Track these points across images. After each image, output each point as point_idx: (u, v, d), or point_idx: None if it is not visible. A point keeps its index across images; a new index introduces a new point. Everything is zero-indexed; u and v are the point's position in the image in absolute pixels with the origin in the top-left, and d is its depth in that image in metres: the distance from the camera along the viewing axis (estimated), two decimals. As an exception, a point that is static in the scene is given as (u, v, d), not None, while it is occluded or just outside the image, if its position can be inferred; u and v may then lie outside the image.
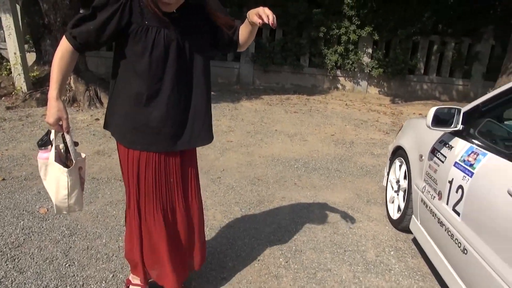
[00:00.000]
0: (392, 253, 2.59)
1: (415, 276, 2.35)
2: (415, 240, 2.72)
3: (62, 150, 1.68)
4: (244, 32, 1.76)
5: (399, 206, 2.90)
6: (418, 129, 2.75)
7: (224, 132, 5.19)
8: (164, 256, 1.75)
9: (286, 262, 2.38)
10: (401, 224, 2.78)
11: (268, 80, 9.06)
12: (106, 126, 1.73)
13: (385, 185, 3.27)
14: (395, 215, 2.92)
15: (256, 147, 4.69)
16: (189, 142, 1.71)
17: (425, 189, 2.36)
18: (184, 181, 1.77)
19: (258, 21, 1.55)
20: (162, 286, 1.86)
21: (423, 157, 2.48)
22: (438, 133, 2.38)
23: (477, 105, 2.12)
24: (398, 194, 2.96)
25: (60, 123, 1.57)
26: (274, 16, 1.52)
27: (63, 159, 1.67)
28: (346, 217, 3.04)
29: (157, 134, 1.63)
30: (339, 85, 9.19)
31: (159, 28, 1.53)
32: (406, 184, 2.77)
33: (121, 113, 1.63)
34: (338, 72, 9.04)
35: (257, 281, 2.17)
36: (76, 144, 1.68)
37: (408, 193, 2.69)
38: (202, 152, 4.31)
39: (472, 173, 1.85)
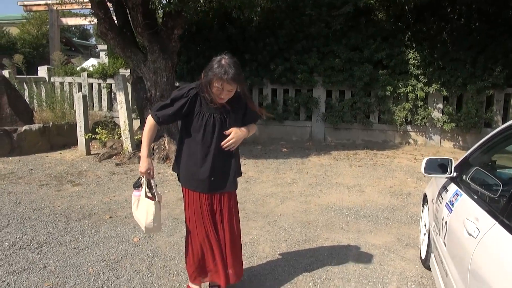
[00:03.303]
0: (413, 286, 2.94)
1: (428, 305, 2.68)
2: (439, 278, 3.02)
3: (147, 191, 2.53)
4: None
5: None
6: (435, 178, 3.16)
7: (288, 183, 5.86)
8: (208, 265, 2.47)
9: (315, 286, 2.90)
10: (426, 263, 3.11)
11: (339, 137, 9.62)
12: (174, 169, 2.59)
13: (420, 229, 3.60)
14: (423, 255, 3.25)
15: (314, 197, 5.25)
16: (224, 188, 2.50)
17: (434, 228, 2.76)
18: (223, 214, 2.51)
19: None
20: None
21: (433, 201, 2.89)
22: (444, 180, 2.80)
23: (466, 156, 2.55)
24: (425, 236, 3.30)
25: (149, 171, 2.44)
26: (231, 143, 2.42)
27: (149, 195, 2.52)
28: (380, 256, 3.43)
29: (204, 181, 2.44)
30: (410, 140, 9.37)
31: (211, 113, 2.40)
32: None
33: (183, 165, 2.48)
34: (409, 128, 9.27)
35: (287, 297, 2.73)
36: (156, 186, 2.54)
37: (429, 233, 3.05)
38: (265, 200, 5.02)
39: (452, 210, 2.28)
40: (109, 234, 3.80)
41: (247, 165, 6.90)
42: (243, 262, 3.21)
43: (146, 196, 2.47)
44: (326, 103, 9.50)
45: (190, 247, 2.55)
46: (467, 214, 2.02)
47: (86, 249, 3.47)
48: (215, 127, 2.40)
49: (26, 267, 3.10)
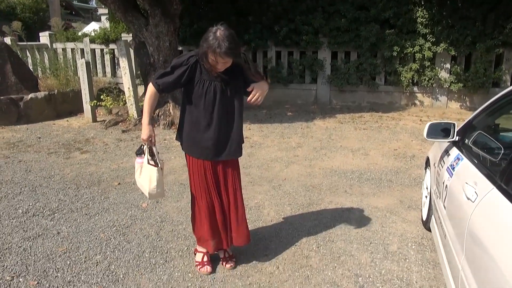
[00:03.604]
0: (413, 247, 3.03)
1: (427, 265, 2.78)
2: (439, 238, 3.11)
3: (149, 158, 2.56)
4: None
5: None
6: (438, 142, 3.17)
7: (293, 147, 5.90)
8: (214, 228, 2.56)
9: (318, 247, 3.00)
10: (427, 224, 3.18)
11: (344, 99, 9.55)
12: (177, 138, 2.62)
13: (422, 191, 3.66)
14: (425, 217, 3.32)
15: (318, 160, 5.30)
16: (228, 155, 2.53)
17: (435, 191, 2.80)
18: (227, 181, 2.56)
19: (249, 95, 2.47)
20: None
21: (435, 164, 2.92)
22: (446, 144, 2.81)
23: (470, 120, 2.55)
24: (427, 198, 3.36)
25: (150, 138, 2.48)
26: (258, 95, 2.45)
27: (151, 162, 2.56)
28: (382, 218, 3.51)
29: (207, 149, 2.47)
30: (416, 101, 9.28)
31: (211, 81, 2.39)
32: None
33: (186, 133, 2.50)
34: (415, 89, 9.15)
35: (291, 259, 2.84)
36: (157, 153, 2.56)
37: (430, 196, 3.11)
38: (270, 165, 5.08)
39: (452, 174, 2.31)
40: (118, 200, 3.91)
41: (252, 129, 6.93)
42: (249, 226, 3.32)
43: (149, 163, 2.51)
44: (331, 65, 9.36)
45: (196, 212, 2.63)
46: (467, 178, 2.05)
47: (97, 215, 3.59)
48: (216, 94, 2.41)
49: (40, 233, 3.22)
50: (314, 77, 9.58)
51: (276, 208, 3.74)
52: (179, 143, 2.61)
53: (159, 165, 2.53)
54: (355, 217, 3.55)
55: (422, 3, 8.71)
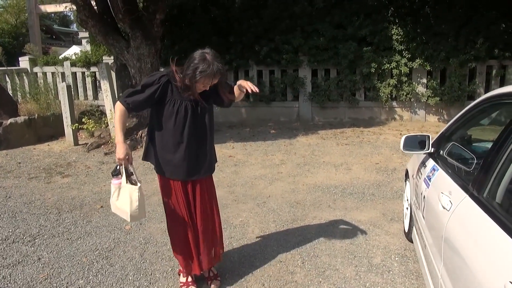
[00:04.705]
0: (397, 259, 3.07)
1: (411, 276, 2.82)
2: (421, 249, 3.16)
3: (126, 179, 2.47)
4: (235, 94, 2.59)
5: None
6: (416, 155, 3.25)
7: (276, 165, 5.94)
8: (189, 250, 2.56)
9: (303, 263, 3.01)
10: (409, 236, 3.23)
11: (326, 116, 9.69)
12: (145, 159, 2.59)
13: (403, 203, 3.72)
14: (406, 228, 3.37)
15: (302, 177, 5.35)
16: (200, 174, 2.52)
17: (415, 202, 2.86)
18: (202, 201, 2.56)
19: (244, 90, 2.40)
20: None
21: (413, 176, 2.99)
22: (423, 156, 2.89)
23: (443, 131, 2.64)
24: (408, 210, 3.42)
25: (127, 157, 2.41)
26: (254, 85, 2.35)
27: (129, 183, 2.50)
28: (366, 231, 3.55)
29: (180, 167, 2.45)
30: (396, 116, 9.49)
31: (182, 100, 2.40)
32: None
33: (156, 153, 2.48)
34: (394, 103, 9.37)
35: (276, 275, 2.84)
36: (135, 171, 2.51)
37: (410, 208, 3.17)
38: (254, 183, 5.10)
39: (429, 184, 2.37)
40: (101, 224, 3.86)
41: (235, 148, 6.96)
42: (233, 244, 3.32)
43: (127, 182, 2.40)
44: (312, 82, 9.53)
45: (172, 234, 2.63)
46: (442, 188, 2.11)
47: (79, 239, 3.53)
48: (187, 113, 2.41)
49: (20, 260, 3.15)
50: (296, 95, 9.72)
51: (261, 226, 3.74)
52: (149, 164, 2.57)
53: (139, 184, 2.47)
54: (339, 231, 3.58)
55: (397, 21, 9.02)
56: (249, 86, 2.38)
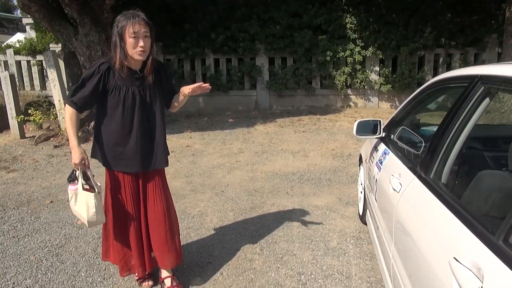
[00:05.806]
0: (352, 241, 3.15)
1: (365, 257, 2.90)
2: (375, 231, 3.26)
3: (83, 183, 2.32)
4: (178, 99, 2.48)
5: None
6: (369, 139, 3.34)
7: (234, 153, 5.92)
8: (134, 251, 2.44)
9: (261, 250, 3.02)
10: (363, 219, 3.33)
11: (284, 104, 9.77)
12: (93, 155, 2.41)
13: (358, 187, 3.83)
14: (361, 212, 3.47)
15: (260, 165, 5.36)
16: (154, 165, 2.38)
17: (368, 186, 2.94)
18: (154, 194, 2.41)
19: (187, 91, 2.34)
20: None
21: (367, 160, 3.07)
22: (375, 141, 2.97)
23: (394, 116, 2.72)
24: (362, 193, 3.52)
25: (83, 162, 2.26)
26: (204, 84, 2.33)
27: (86, 187, 2.37)
28: (322, 216, 3.62)
29: (132, 160, 2.30)
30: (351, 103, 9.73)
31: (128, 87, 2.24)
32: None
33: (105, 146, 2.31)
34: (349, 91, 9.60)
35: (235, 263, 2.83)
36: (93, 176, 2.39)
37: (364, 191, 3.26)
38: (212, 172, 5.05)
39: (381, 168, 2.44)
40: (51, 219, 3.68)
41: (193, 137, 6.85)
42: (192, 234, 3.27)
43: (84, 188, 2.28)
44: (269, 71, 9.55)
45: (116, 234, 2.45)
46: (393, 171, 2.17)
47: (27, 236, 3.34)
48: (135, 100, 2.24)
49: (-40, 262, 2.94)
50: (254, 83, 9.71)
51: (219, 215, 3.72)
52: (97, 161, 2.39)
53: (96, 190, 2.31)
54: (297, 217, 3.62)
55: (350, 9, 9.20)
56: (192, 86, 2.33)
